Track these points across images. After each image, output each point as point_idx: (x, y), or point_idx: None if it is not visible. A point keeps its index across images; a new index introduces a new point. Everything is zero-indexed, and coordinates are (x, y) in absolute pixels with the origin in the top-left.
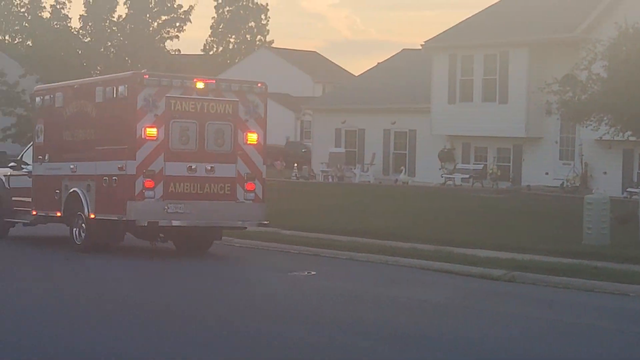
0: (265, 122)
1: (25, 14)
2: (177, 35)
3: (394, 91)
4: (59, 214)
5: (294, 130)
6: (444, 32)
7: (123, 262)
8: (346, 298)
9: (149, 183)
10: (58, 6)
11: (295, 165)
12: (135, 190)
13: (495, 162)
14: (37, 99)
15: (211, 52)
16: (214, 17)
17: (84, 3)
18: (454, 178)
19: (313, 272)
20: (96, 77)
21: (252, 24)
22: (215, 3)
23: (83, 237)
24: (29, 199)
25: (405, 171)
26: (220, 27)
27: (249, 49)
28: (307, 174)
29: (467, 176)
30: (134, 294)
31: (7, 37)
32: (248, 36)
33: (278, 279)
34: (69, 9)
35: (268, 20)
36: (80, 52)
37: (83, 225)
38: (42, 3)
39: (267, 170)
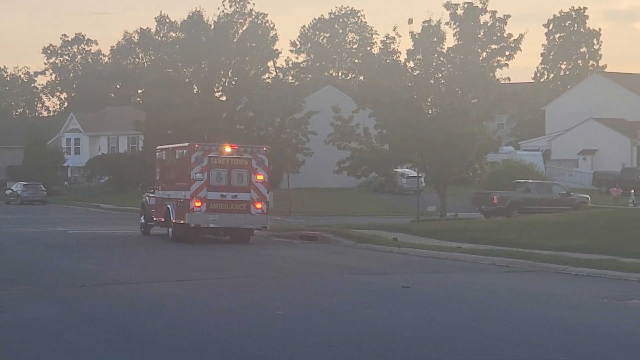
0: (269, 169)
1: (356, 51)
2: (506, 63)
3: None
4: (163, 220)
5: (629, 156)
6: None
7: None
8: None
9: (197, 203)
10: (387, 41)
11: (632, 192)
12: (190, 207)
13: None
14: (157, 153)
15: (542, 80)
16: (544, 44)
17: (411, 37)
18: None
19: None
20: (176, 144)
21: (584, 49)
22: (546, 30)
23: (171, 233)
24: (154, 211)
25: None
26: (551, 54)
27: (581, 75)
28: None
29: None
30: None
31: (340, 74)
32: (580, 62)
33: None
34: (398, 43)
35: (600, 45)
36: (410, 84)
37: (171, 226)
38: (372, 40)
39: (602, 197)
